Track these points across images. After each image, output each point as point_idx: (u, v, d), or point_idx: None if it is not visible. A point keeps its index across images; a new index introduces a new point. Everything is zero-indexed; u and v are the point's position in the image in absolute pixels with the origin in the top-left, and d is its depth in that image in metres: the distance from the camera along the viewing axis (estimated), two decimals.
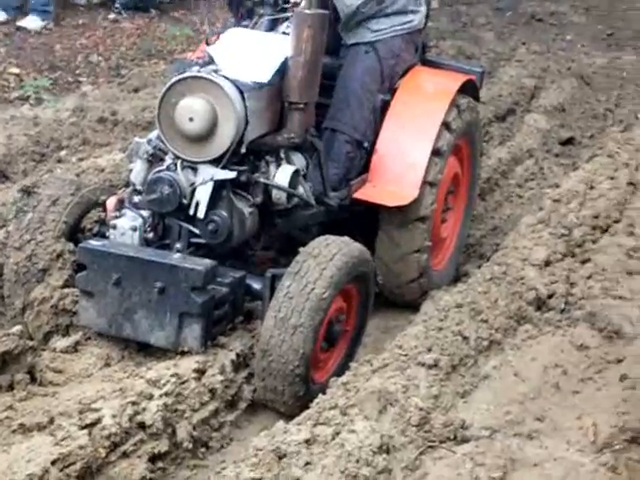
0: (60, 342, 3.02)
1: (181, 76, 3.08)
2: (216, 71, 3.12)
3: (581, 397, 2.63)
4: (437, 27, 7.38)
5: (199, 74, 3.08)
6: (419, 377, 2.65)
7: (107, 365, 2.95)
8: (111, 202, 3.21)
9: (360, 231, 3.51)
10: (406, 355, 2.77)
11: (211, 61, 3.21)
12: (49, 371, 2.87)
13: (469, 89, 3.92)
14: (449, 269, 4.03)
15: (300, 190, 3.31)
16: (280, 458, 2.25)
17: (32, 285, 3.15)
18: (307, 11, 3.19)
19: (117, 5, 7.94)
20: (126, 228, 3.09)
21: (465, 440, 2.39)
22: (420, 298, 3.70)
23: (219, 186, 3.08)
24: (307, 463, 2.17)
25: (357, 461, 2.15)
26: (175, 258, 2.98)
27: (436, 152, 3.58)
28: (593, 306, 3.18)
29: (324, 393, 2.68)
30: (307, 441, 2.25)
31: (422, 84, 3.86)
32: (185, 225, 3.11)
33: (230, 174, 3.07)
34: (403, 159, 3.57)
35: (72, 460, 2.35)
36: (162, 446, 2.57)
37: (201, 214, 3.06)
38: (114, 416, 2.49)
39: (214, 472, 2.40)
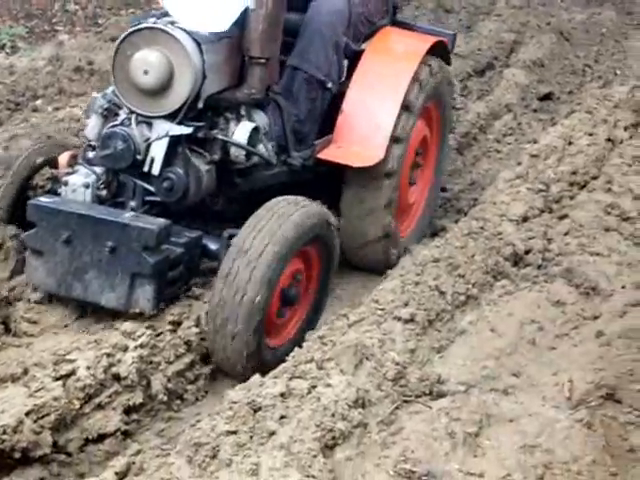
0: (34, 294, 2.96)
1: (136, 27, 2.99)
2: (173, 23, 3.00)
3: (557, 353, 2.64)
4: None
5: (154, 25, 2.97)
6: (395, 331, 2.65)
7: (82, 317, 2.92)
8: (63, 158, 3.13)
9: (324, 192, 3.42)
10: (383, 309, 2.76)
11: (165, 12, 3.10)
12: (23, 322, 2.86)
13: (440, 51, 3.84)
14: (414, 237, 3.90)
15: (260, 148, 3.22)
16: (255, 411, 2.23)
17: None
18: None
19: None
20: (78, 185, 2.99)
21: (441, 395, 2.40)
22: (383, 263, 3.58)
23: (175, 142, 3.00)
24: (282, 417, 2.16)
25: (333, 415, 2.15)
26: (127, 217, 2.88)
27: (405, 107, 3.50)
28: (570, 262, 3.17)
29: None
30: (282, 394, 2.24)
31: (391, 44, 3.81)
32: (139, 182, 3.02)
33: (186, 130, 2.99)
34: (370, 118, 3.47)
35: (46, 411, 2.35)
36: (137, 398, 2.57)
37: (156, 171, 2.97)
38: (89, 367, 2.49)
39: (189, 425, 2.42)
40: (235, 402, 2.25)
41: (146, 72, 2.93)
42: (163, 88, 2.97)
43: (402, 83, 3.50)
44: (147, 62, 2.93)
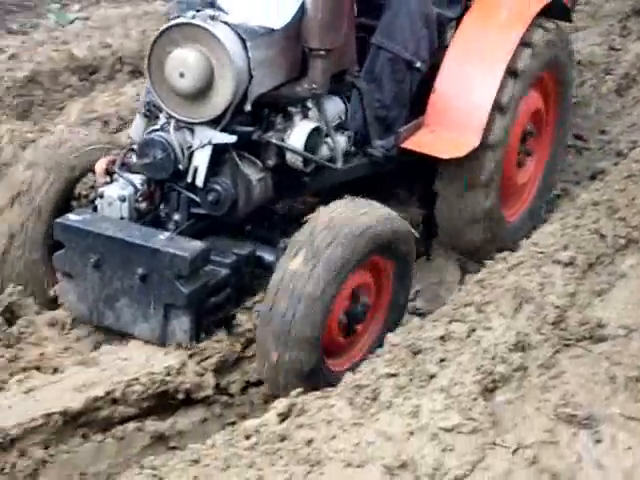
0: None
1: (173, 22, 2.64)
2: (213, 17, 2.62)
3: None
4: None
5: (192, 20, 2.60)
6: (555, 275, 2.59)
7: None
8: (100, 165, 2.76)
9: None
10: (542, 253, 2.70)
11: (212, 2, 2.74)
12: None
13: (557, 11, 3.36)
14: (525, 223, 3.43)
15: (323, 150, 2.86)
16: (415, 354, 2.26)
17: None
18: None
19: None
20: (114, 198, 2.65)
21: (601, 339, 2.34)
22: (484, 250, 3.15)
23: (221, 149, 2.65)
24: (442, 360, 2.18)
25: (492, 358, 2.14)
26: (159, 240, 2.53)
27: (512, 74, 3.07)
28: None
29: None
30: (442, 338, 2.25)
31: (494, 6, 3.29)
32: (184, 193, 2.68)
33: (230, 137, 2.63)
34: (467, 95, 3.04)
35: (209, 354, 2.45)
36: None
37: (199, 182, 2.63)
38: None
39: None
40: (395, 345, 2.28)
41: (182, 75, 2.57)
42: (202, 92, 2.61)
43: (507, 48, 3.06)
44: (183, 63, 2.57)
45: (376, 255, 2.57)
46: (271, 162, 2.78)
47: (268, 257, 2.67)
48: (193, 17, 2.60)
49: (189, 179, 2.65)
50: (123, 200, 2.64)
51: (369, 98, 3.02)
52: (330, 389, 2.26)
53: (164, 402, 2.39)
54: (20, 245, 2.75)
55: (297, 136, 2.76)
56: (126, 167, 2.74)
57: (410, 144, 3.02)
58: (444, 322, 2.33)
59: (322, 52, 2.77)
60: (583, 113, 4.27)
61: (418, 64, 3.06)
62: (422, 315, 2.77)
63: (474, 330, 2.28)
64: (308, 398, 2.25)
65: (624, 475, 1.88)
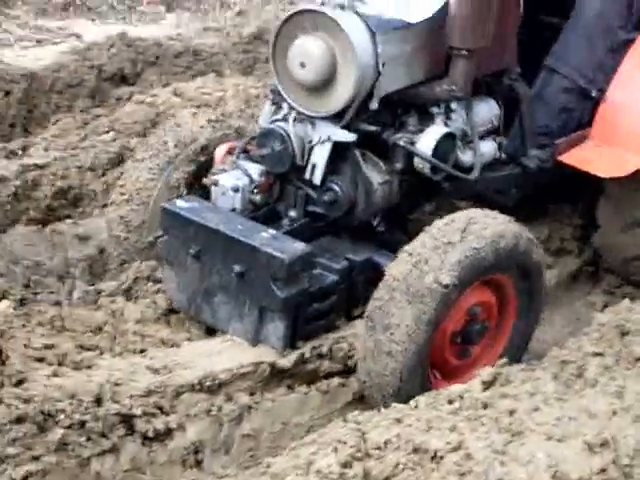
0: None
1: (301, 7, 2.52)
2: (343, 6, 2.48)
3: None
4: None
5: (318, 7, 2.48)
6: None
7: None
8: (220, 151, 2.74)
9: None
10: None
11: None
12: None
13: None
14: None
15: (464, 157, 2.70)
16: (623, 335, 2.23)
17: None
18: None
19: None
20: (227, 187, 2.59)
21: None
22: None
23: (343, 147, 2.54)
24: None
25: None
26: (262, 237, 2.41)
27: None
28: None
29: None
30: None
31: None
32: (302, 189, 2.60)
33: (351, 135, 2.51)
34: (636, 114, 2.83)
35: None
36: None
37: (317, 180, 2.54)
38: None
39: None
40: (603, 324, 2.28)
41: (303, 65, 2.47)
42: (324, 85, 2.50)
43: None
44: (305, 53, 2.47)
45: (498, 273, 2.40)
46: (399, 165, 2.63)
47: (385, 264, 2.42)
48: (322, 4, 2.48)
49: (307, 175, 2.56)
50: (236, 190, 2.58)
51: (532, 118, 2.88)
52: (535, 362, 2.29)
53: None
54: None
55: (426, 141, 2.59)
56: (246, 156, 2.66)
57: (569, 158, 2.84)
58: None
59: (464, 52, 2.59)
60: None
61: (594, 93, 2.89)
62: (633, 298, 2.67)
63: None
64: (513, 369, 2.26)
65: None
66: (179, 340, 2.49)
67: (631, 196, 2.85)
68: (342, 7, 2.45)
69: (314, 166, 2.52)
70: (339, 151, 2.52)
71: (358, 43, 2.42)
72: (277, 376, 2.38)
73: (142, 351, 2.44)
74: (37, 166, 3.39)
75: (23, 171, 3.34)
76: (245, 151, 2.65)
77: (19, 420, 2.00)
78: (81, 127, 3.97)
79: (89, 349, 2.43)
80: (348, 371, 2.43)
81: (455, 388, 2.17)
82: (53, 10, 5.38)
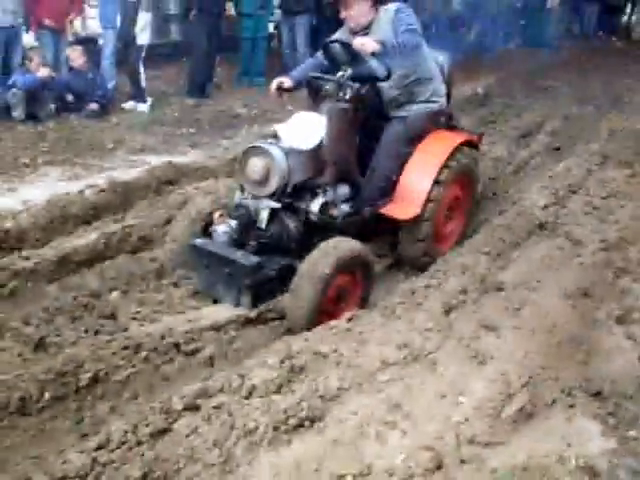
0: None
1: (250, 145, 4.55)
2: (271, 143, 4.46)
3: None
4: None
5: (259, 144, 4.47)
6: None
7: None
8: (215, 215, 4.60)
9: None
10: None
11: (275, 135, 4.64)
12: None
13: (473, 144, 5.57)
14: (448, 247, 5.46)
15: (334, 212, 4.71)
16: (414, 292, 4.40)
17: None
18: (336, 105, 4.63)
19: None
20: (221, 232, 4.48)
21: None
22: (422, 265, 5.14)
23: (274, 210, 4.46)
24: None
25: None
26: (237, 255, 4.30)
27: (437, 182, 5.03)
28: (567, 228, 5.82)
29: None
30: None
31: (434, 142, 5.23)
32: (254, 232, 4.46)
33: (277, 205, 4.46)
34: (412, 189, 5.00)
35: None
36: None
37: (263, 226, 4.45)
38: None
39: None
40: (404, 289, 4.47)
41: (254, 172, 4.39)
42: (264, 180, 4.41)
43: (436, 166, 5.06)
44: (255, 165, 4.39)
45: (349, 266, 4.29)
46: (302, 217, 4.59)
47: (298, 265, 4.24)
48: (260, 143, 4.45)
49: (258, 224, 4.44)
50: (225, 233, 4.45)
51: (365, 191, 5.01)
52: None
53: None
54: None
55: (314, 206, 4.61)
56: (228, 217, 4.51)
57: (384, 210, 5.00)
58: None
59: (330, 163, 4.66)
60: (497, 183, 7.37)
61: (394, 177, 5.06)
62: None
63: None
64: (359, 313, 4.19)
65: None
66: (203, 306, 4.52)
67: (413, 228, 5.04)
68: (270, 143, 4.48)
69: (261, 220, 4.47)
70: (272, 212, 4.47)
71: (279, 160, 4.41)
72: (249, 322, 4.33)
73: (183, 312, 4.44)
74: None
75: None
76: (228, 215, 4.55)
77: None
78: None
79: None
80: (282, 318, 4.35)
81: (334, 323, 4.03)
82: None
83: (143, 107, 9.68)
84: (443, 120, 5.45)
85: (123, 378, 3.69)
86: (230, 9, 12.60)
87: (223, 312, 4.42)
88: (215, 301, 4.56)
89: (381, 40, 4.52)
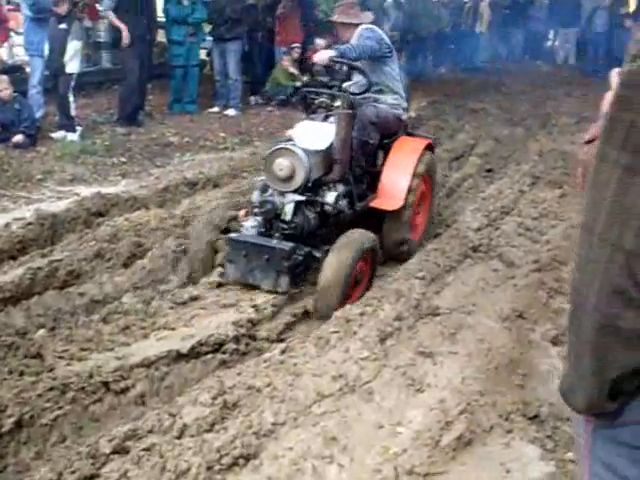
0: None
1: (275, 147, 5.15)
2: (294, 144, 5.11)
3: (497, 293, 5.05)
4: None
5: (285, 145, 5.10)
6: None
7: None
8: (242, 212, 5.24)
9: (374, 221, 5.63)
10: None
11: (291, 138, 5.26)
12: None
13: (430, 147, 6.16)
14: (419, 239, 6.12)
15: (341, 204, 5.30)
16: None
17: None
18: (343, 111, 5.34)
19: (272, 104, 12.76)
20: (249, 227, 5.01)
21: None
22: (405, 255, 5.74)
23: (297, 203, 5.03)
24: None
25: None
26: (273, 242, 4.88)
27: (412, 181, 5.70)
28: (501, 250, 6.09)
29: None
30: None
31: (405, 144, 6.01)
32: (280, 224, 4.99)
33: (301, 197, 5.06)
34: (395, 184, 5.70)
35: None
36: None
37: (288, 218, 4.99)
38: None
39: None
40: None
41: (281, 169, 4.97)
42: (289, 177, 5.01)
43: (411, 165, 5.75)
44: (281, 165, 4.97)
45: (366, 253, 4.91)
46: (318, 209, 5.22)
47: (317, 254, 5.00)
48: (285, 144, 5.11)
49: (282, 217, 5.01)
50: (254, 227, 5.03)
51: (356, 189, 5.61)
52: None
53: None
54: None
55: (329, 198, 5.24)
56: (253, 214, 5.10)
57: (373, 204, 5.66)
58: None
59: (338, 160, 5.34)
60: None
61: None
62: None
63: None
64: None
65: None
66: (133, 342, 4.50)
67: (395, 217, 5.65)
68: (293, 144, 5.09)
69: (287, 212, 5.01)
70: (296, 205, 5.01)
71: (303, 159, 5.00)
72: (180, 356, 4.16)
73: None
74: None
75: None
76: (253, 211, 5.11)
77: None
78: None
79: None
80: (215, 351, 4.26)
81: (267, 355, 4.13)
82: None
83: (73, 136, 9.47)
84: (404, 127, 6.20)
85: (49, 421, 3.52)
86: (161, 36, 12.53)
87: (154, 348, 4.24)
88: (146, 336, 4.45)
89: (336, 48, 5.54)
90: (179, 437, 3.24)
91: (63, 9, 9.44)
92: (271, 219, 5.03)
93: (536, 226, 6.50)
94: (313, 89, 5.74)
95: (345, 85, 5.52)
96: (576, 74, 18.60)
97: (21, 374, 3.89)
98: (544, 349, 4.26)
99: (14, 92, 9.06)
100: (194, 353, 4.25)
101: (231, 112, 12.24)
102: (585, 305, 1.36)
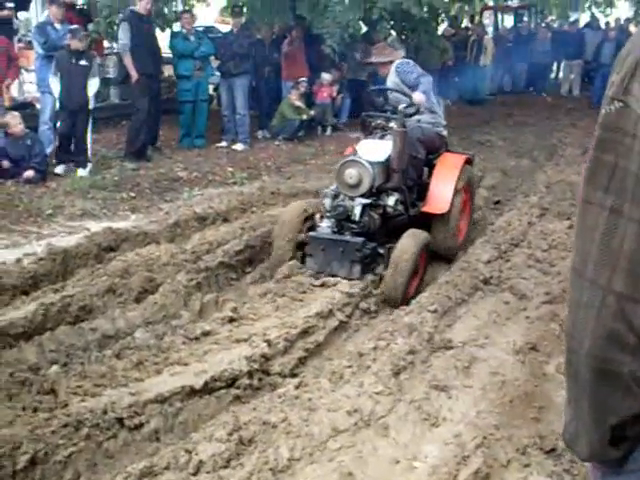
0: None
1: (345, 159, 6.08)
2: (360, 157, 6.03)
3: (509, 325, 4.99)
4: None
5: (354, 158, 6.02)
6: None
7: None
8: (317, 216, 6.23)
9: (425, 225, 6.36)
10: None
11: (356, 152, 6.18)
12: None
13: (469, 161, 7.03)
14: (463, 241, 6.96)
15: (400, 208, 6.18)
16: None
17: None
18: (398, 129, 6.13)
19: (279, 138, 12.88)
20: (324, 227, 6.00)
21: None
22: (453, 255, 6.69)
23: (364, 206, 5.92)
24: None
25: None
26: (347, 237, 5.84)
27: (455, 189, 6.61)
28: (511, 283, 6.16)
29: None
30: None
31: (447, 159, 6.92)
32: (349, 224, 5.92)
33: (367, 201, 5.97)
34: (442, 193, 6.60)
35: None
36: None
37: (357, 218, 5.92)
38: None
39: None
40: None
41: (350, 178, 5.90)
42: (357, 184, 5.92)
43: (454, 177, 6.66)
44: (351, 174, 5.91)
45: (422, 250, 5.81)
46: (380, 211, 6.08)
47: (381, 251, 5.96)
48: (353, 157, 6.03)
49: (352, 218, 5.92)
50: (328, 227, 5.98)
51: (410, 198, 6.43)
52: None
53: None
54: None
55: (391, 201, 6.13)
56: (326, 217, 6.01)
57: (424, 208, 6.55)
58: None
59: (396, 170, 6.14)
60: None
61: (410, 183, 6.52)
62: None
63: None
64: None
65: None
66: (146, 377, 4.51)
67: (443, 220, 6.55)
68: (360, 157, 5.99)
69: (355, 214, 5.93)
70: (363, 208, 5.90)
71: (369, 168, 5.89)
72: (194, 392, 4.09)
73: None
74: None
75: None
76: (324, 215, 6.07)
77: None
78: None
79: None
80: (230, 385, 4.24)
81: (282, 390, 4.19)
82: None
83: (83, 172, 9.54)
84: (445, 144, 7.11)
85: (64, 458, 3.50)
86: (168, 72, 12.66)
87: (167, 383, 4.25)
88: (159, 372, 4.42)
89: (423, 91, 6.54)
90: (195, 474, 3.22)
91: (82, 45, 9.54)
92: (342, 220, 5.94)
93: (546, 258, 6.50)
94: (372, 113, 6.79)
95: (400, 108, 6.25)
96: (581, 105, 18.66)
97: (35, 410, 3.88)
98: (559, 382, 4.22)
99: (25, 129, 9.13)
100: (208, 389, 4.23)
101: (239, 147, 12.33)
102: (579, 350, 1.34)
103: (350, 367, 4.25)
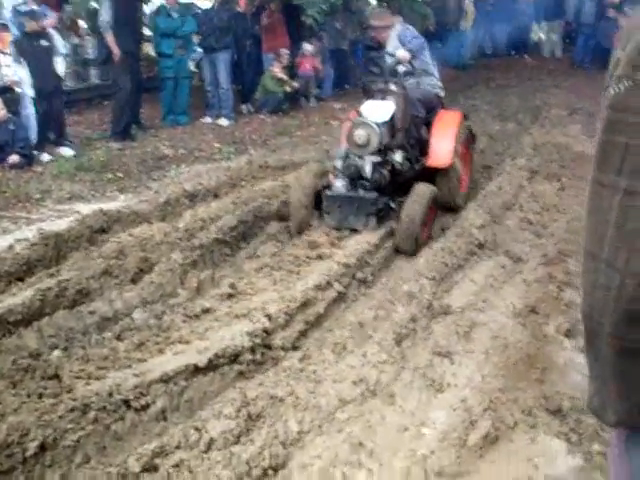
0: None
1: (355, 120, 6.44)
2: (367, 118, 6.36)
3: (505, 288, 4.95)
4: None
5: (362, 119, 6.38)
6: None
7: None
8: (331, 176, 6.56)
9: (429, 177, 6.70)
10: None
11: (361, 114, 6.50)
12: None
13: (464, 117, 7.39)
14: (465, 191, 7.34)
15: (406, 164, 6.55)
16: None
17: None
18: (400, 91, 6.60)
19: (264, 111, 12.85)
20: (338, 186, 6.35)
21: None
22: (455, 205, 7.01)
23: (374, 163, 6.30)
24: None
25: None
26: (361, 193, 6.26)
27: (455, 144, 6.93)
28: (507, 246, 6.09)
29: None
30: None
31: (444, 116, 7.28)
32: (361, 182, 6.27)
33: (377, 158, 6.34)
34: (443, 148, 6.93)
35: None
36: None
37: (368, 175, 6.29)
38: None
39: None
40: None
41: (360, 137, 6.25)
42: (366, 144, 6.27)
43: (454, 132, 7.01)
44: (360, 134, 6.26)
45: (431, 203, 6.12)
46: (389, 167, 6.43)
47: (392, 205, 6.33)
48: (360, 118, 6.36)
49: (363, 175, 6.32)
50: (342, 185, 6.32)
51: (413, 151, 6.82)
52: None
53: None
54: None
55: (398, 157, 6.46)
56: (339, 176, 6.35)
57: (428, 163, 6.89)
58: None
59: (400, 129, 6.54)
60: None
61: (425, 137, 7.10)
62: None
63: None
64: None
65: None
66: (149, 357, 4.53)
67: (446, 172, 6.87)
68: (366, 118, 6.33)
69: (367, 171, 6.29)
70: (373, 165, 6.26)
71: (375, 129, 6.25)
72: (198, 370, 4.20)
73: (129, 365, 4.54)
74: None
75: None
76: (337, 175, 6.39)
77: None
78: None
79: None
80: (233, 361, 4.25)
81: (287, 364, 4.24)
82: None
83: (69, 152, 9.45)
84: (441, 103, 7.52)
85: (72, 442, 3.48)
86: (149, 50, 12.51)
87: (170, 362, 4.24)
88: (161, 351, 4.40)
89: (409, 49, 6.90)
90: (207, 451, 3.23)
91: (37, 25, 9.37)
92: (354, 178, 6.30)
93: (539, 220, 6.53)
94: (372, 78, 7.07)
95: (400, 71, 6.74)
96: (563, 66, 18.63)
97: (40, 396, 3.86)
98: (559, 342, 4.26)
99: (8, 113, 9.02)
100: (211, 366, 4.22)
101: (224, 122, 12.27)
102: (601, 331, 1.33)
103: (352, 337, 4.26)
